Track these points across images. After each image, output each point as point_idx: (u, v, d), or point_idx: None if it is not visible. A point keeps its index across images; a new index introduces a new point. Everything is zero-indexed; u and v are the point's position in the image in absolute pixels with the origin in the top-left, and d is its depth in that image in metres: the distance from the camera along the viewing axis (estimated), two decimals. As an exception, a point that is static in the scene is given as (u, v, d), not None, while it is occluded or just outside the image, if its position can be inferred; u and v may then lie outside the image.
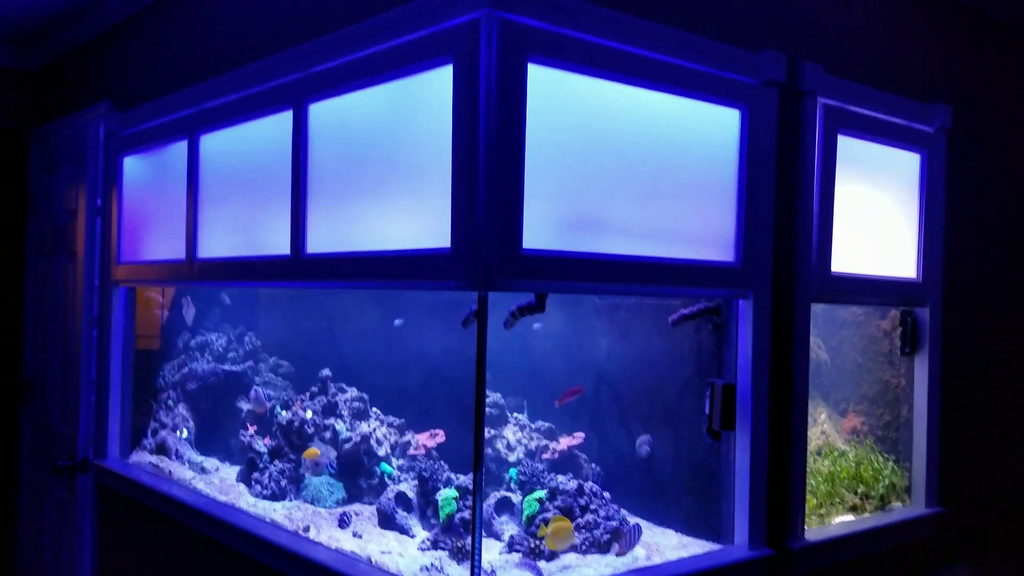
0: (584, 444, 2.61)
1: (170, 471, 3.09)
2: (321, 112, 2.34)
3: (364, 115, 2.22)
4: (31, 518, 4.29)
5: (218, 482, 2.86)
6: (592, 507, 2.24)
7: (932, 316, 2.88)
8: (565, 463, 2.50)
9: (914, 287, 2.84)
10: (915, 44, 2.92)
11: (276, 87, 2.49)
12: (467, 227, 1.83)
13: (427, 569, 1.98)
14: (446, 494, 2.20)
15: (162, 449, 3.25)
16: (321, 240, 2.30)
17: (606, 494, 2.36)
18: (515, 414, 2.66)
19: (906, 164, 2.84)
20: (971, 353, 3.07)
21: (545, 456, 2.49)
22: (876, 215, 2.76)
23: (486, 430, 2.54)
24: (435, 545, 2.10)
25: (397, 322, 2.69)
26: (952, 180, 2.94)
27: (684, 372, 2.50)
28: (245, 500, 2.67)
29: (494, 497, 2.31)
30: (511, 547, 2.13)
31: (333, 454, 2.53)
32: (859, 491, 2.75)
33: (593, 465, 2.56)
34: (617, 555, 2.11)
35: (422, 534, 2.22)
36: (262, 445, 2.75)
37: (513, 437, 2.54)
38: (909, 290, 2.83)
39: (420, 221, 2.00)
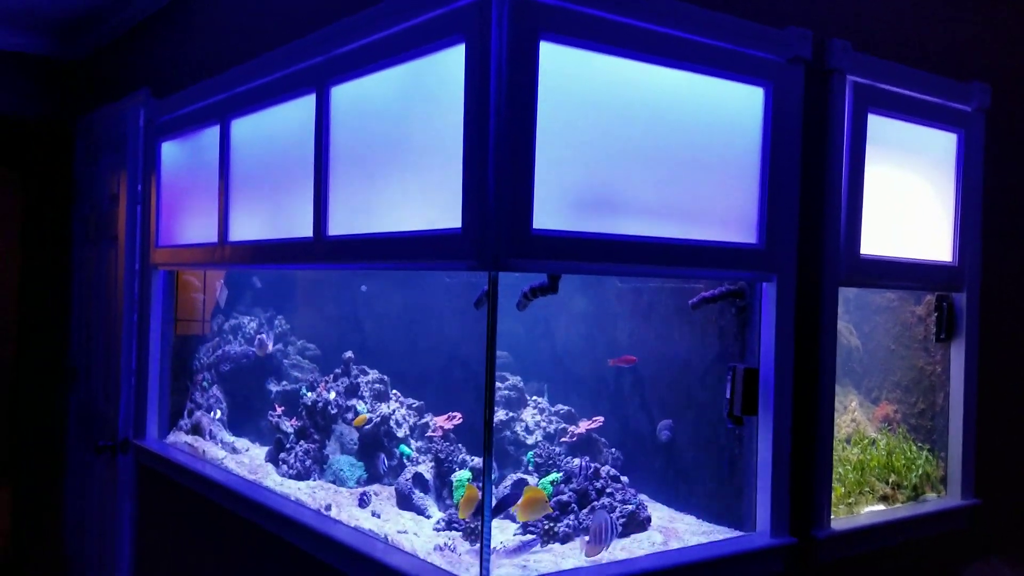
0: (604, 428, 2.59)
1: (204, 451, 3.15)
2: (343, 95, 2.36)
3: (383, 97, 2.22)
4: (76, 497, 4.42)
5: (248, 462, 2.91)
6: (608, 490, 2.22)
7: (969, 301, 2.79)
8: (584, 447, 2.49)
9: (950, 271, 2.76)
10: (951, 20, 2.83)
11: (300, 71, 2.52)
12: (477, 207, 1.82)
13: (440, 548, 1.99)
14: (461, 476, 2.20)
15: (197, 430, 3.31)
16: (342, 222, 2.32)
17: (624, 478, 2.34)
18: (534, 397, 2.65)
19: (942, 144, 2.76)
20: (1010, 340, 2.98)
21: (564, 439, 2.48)
22: (910, 197, 2.68)
23: (504, 413, 2.54)
24: (449, 525, 2.10)
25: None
26: (991, 161, 2.85)
27: (706, 356, 2.47)
28: (272, 479, 2.71)
29: (511, 479, 2.30)
30: (525, 529, 2.13)
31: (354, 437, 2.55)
32: (890, 481, 2.69)
33: (613, 450, 2.54)
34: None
35: (437, 514, 2.23)
36: (288, 426, 2.79)
37: (532, 420, 2.53)
38: (945, 274, 2.75)
39: (434, 202, 2.00)
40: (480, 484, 2.21)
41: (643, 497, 2.55)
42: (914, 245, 2.68)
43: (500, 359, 2.96)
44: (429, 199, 2.02)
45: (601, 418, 2.55)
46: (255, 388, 3.18)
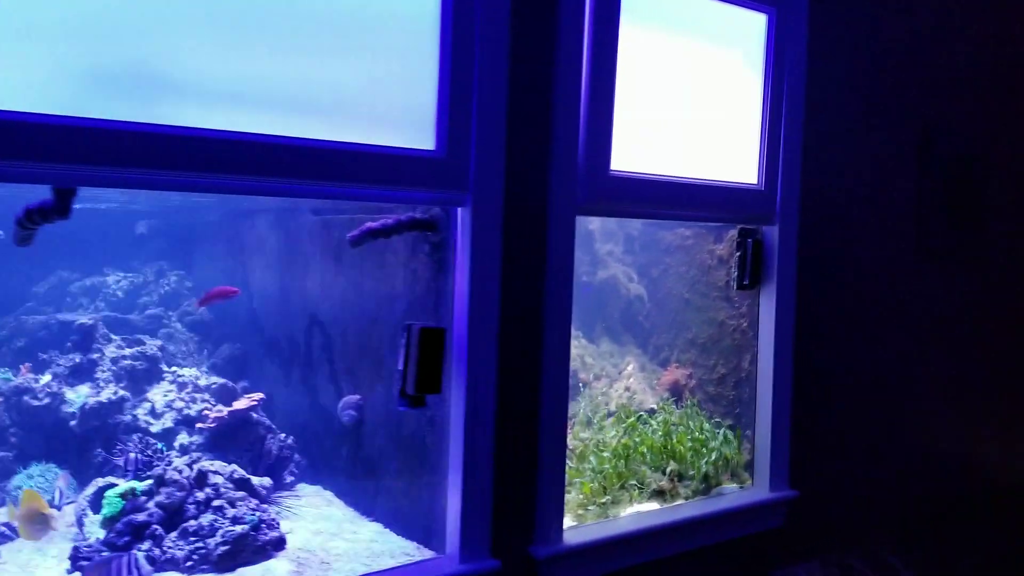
0: (285, 405, 1.93)
1: None
2: None
3: None
4: None
5: None
6: (217, 503, 1.55)
7: (783, 237, 2.15)
8: (234, 433, 1.82)
9: (755, 198, 2.10)
10: None
11: None
12: None
13: None
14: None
15: None
16: None
17: (262, 481, 1.67)
18: (174, 368, 1.96)
19: (748, 29, 2.08)
20: (835, 287, 2.33)
21: (202, 425, 1.80)
22: (699, 98, 2.01)
23: (114, 391, 1.84)
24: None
25: None
26: (815, 53, 2.18)
27: (397, 310, 1.80)
28: None
29: (95, 486, 1.62)
30: (75, 562, 1.45)
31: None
32: (668, 470, 2.06)
33: (282, 436, 1.88)
34: None
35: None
36: None
37: (162, 399, 1.84)
38: (748, 202, 2.10)
39: None
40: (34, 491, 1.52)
41: (325, 498, 1.91)
42: (705, 163, 2.02)
43: (151, 313, 2.27)
44: None
45: (259, 395, 1.88)
46: None
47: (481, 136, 1.60)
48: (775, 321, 2.14)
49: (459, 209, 1.64)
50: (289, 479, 1.97)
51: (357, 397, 1.87)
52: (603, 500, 1.92)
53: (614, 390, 2.20)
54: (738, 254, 2.14)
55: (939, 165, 2.54)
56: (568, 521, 1.85)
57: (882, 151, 2.43)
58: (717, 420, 2.20)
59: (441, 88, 1.56)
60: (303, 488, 1.96)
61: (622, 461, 2.00)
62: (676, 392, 2.24)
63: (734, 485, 2.17)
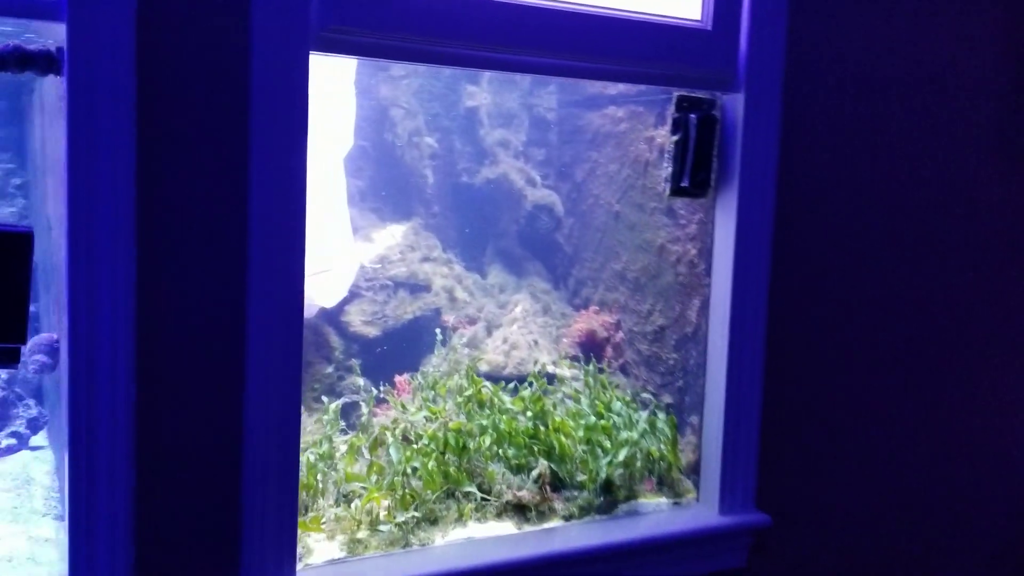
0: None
1: None
2: None
3: None
4: None
5: None
6: None
7: (753, 112, 1.31)
8: None
9: (699, 43, 1.28)
10: None
11: None
12: None
13: None
14: None
15: None
16: None
17: None
18: None
19: None
20: (847, 195, 1.44)
21: None
22: None
23: None
24: None
25: None
26: None
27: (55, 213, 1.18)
28: None
29: None
30: None
31: None
32: (537, 472, 1.33)
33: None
34: None
35: None
36: None
37: None
38: (685, 50, 1.28)
39: None
40: None
41: (27, 476, 1.36)
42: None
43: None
44: None
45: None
46: None
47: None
48: (735, 249, 1.33)
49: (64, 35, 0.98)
50: (6, 443, 1.44)
51: (52, 336, 1.28)
52: (404, 518, 1.23)
53: (491, 342, 1.48)
54: (675, 139, 1.33)
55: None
56: (332, 550, 1.19)
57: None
58: (650, 394, 1.44)
59: None
60: (20, 458, 1.43)
61: (454, 455, 1.29)
62: (593, 349, 1.49)
63: (662, 499, 1.41)
